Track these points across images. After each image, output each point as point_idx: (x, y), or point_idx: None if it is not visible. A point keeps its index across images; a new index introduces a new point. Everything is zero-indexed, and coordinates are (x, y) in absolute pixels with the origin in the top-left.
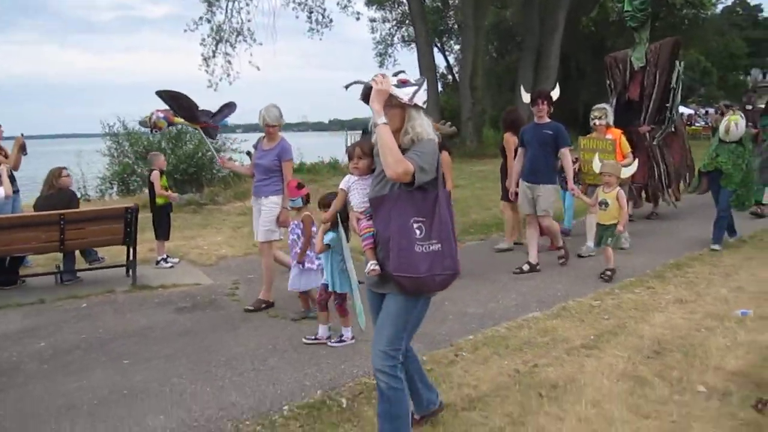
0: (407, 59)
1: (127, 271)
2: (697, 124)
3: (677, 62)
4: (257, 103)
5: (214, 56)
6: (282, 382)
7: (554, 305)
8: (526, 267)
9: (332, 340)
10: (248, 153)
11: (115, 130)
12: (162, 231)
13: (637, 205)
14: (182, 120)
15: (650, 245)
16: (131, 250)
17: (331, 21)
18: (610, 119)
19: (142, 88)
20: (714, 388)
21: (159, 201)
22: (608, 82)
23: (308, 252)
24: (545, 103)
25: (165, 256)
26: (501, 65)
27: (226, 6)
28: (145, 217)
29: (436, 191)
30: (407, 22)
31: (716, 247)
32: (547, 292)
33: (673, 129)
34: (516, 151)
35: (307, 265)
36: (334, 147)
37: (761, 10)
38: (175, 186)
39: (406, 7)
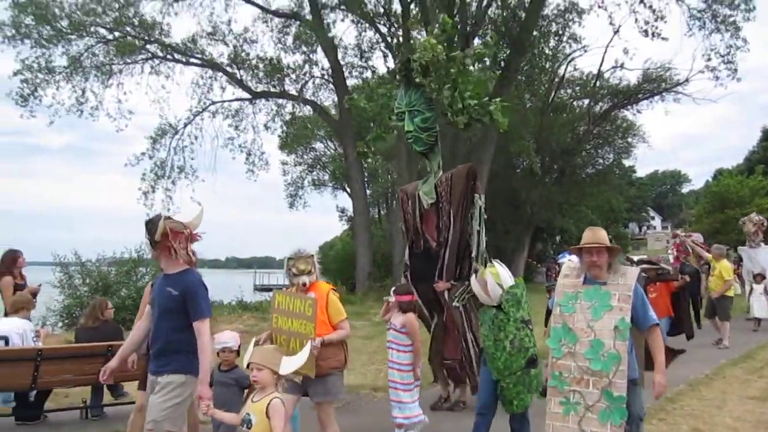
0: (315, 201)
1: None
2: None
3: (477, 196)
4: None
5: (153, 191)
6: None
7: None
8: None
9: None
10: None
11: (65, 260)
12: None
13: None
14: None
15: None
16: None
17: (267, 164)
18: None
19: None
20: None
21: None
22: (401, 224)
23: None
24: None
25: None
26: None
27: (169, 144)
28: None
29: None
30: (318, 166)
31: None
32: None
33: None
34: None
35: None
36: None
37: (635, 171)
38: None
39: (318, 152)
